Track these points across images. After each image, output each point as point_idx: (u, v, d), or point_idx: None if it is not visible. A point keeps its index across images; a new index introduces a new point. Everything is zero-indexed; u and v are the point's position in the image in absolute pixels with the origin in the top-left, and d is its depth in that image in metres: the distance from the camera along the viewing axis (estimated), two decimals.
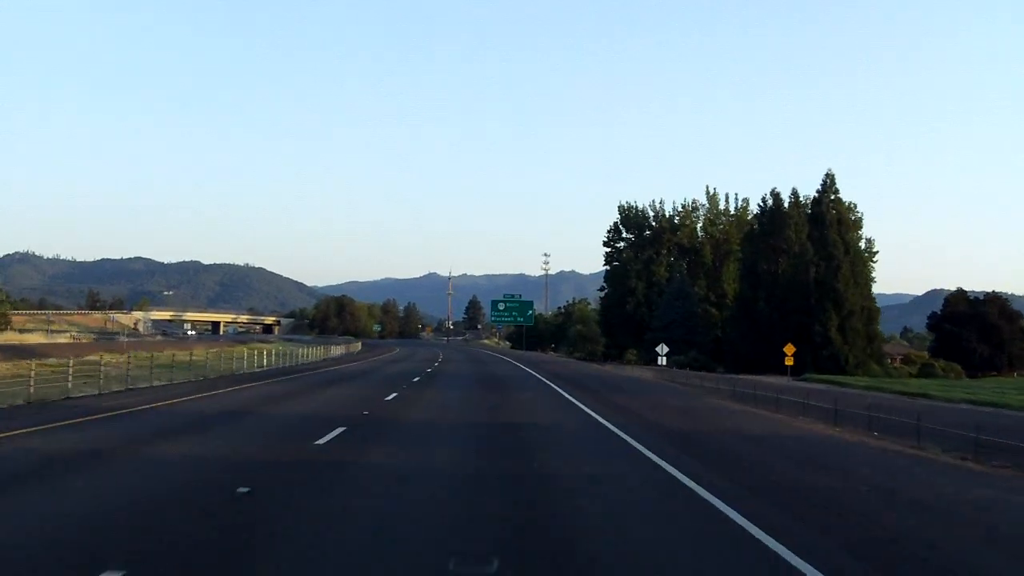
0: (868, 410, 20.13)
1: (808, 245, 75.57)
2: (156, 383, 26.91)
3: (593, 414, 20.68)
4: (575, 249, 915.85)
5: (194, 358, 40.81)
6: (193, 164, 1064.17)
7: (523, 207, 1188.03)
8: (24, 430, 13.94)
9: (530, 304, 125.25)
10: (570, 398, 26.52)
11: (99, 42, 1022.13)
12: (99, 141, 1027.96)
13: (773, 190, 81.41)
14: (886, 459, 14.84)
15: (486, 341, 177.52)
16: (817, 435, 18.44)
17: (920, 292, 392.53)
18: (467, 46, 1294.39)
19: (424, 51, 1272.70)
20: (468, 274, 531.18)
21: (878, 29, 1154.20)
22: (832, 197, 79.11)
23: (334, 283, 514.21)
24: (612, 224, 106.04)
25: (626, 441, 15.24)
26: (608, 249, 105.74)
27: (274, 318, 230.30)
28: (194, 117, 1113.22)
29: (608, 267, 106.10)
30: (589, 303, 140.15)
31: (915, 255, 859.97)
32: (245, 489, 9.12)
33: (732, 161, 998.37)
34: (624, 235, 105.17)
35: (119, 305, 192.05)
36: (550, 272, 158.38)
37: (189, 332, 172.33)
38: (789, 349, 51.17)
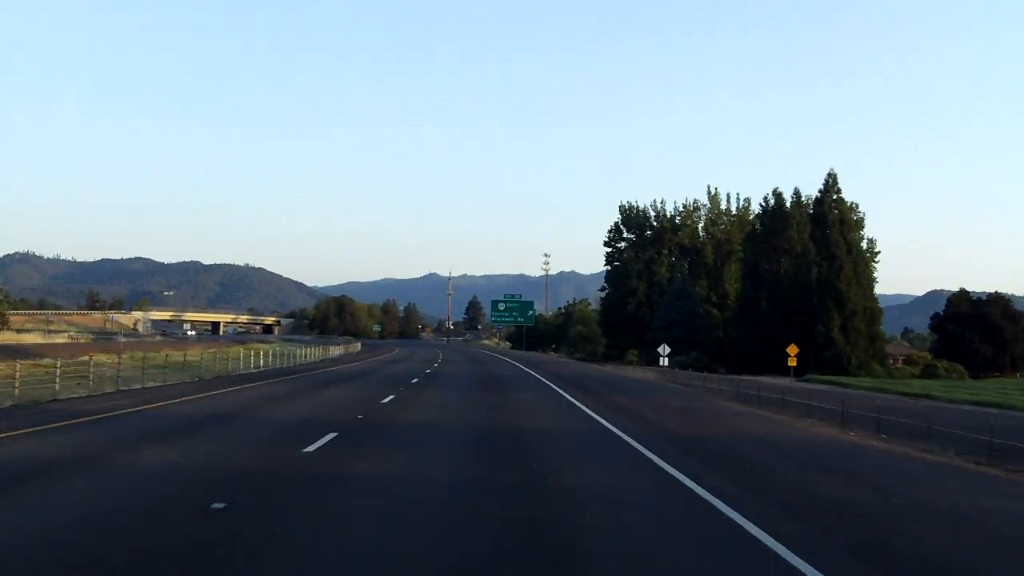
0: (878, 412, 19.57)
1: (810, 245, 75.14)
2: (149, 384, 26.39)
3: (595, 416, 20.10)
4: (575, 249, 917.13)
5: (190, 359, 40.36)
6: (193, 164, 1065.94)
7: (523, 207, 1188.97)
8: None
9: (530, 304, 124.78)
10: (571, 399, 25.94)
11: (99, 42, 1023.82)
12: (99, 141, 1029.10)
13: (775, 190, 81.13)
14: (901, 464, 14.27)
15: (486, 341, 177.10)
16: (832, 440, 17.71)
17: (920, 293, 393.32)
18: (467, 46, 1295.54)
19: (424, 51, 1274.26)
20: (468, 274, 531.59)
21: (878, 29, 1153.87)
22: (834, 197, 78.69)
23: (334, 283, 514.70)
24: (613, 224, 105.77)
25: (631, 445, 14.54)
26: (609, 249, 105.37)
27: (274, 318, 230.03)
28: (194, 117, 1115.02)
29: (609, 267, 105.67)
30: (590, 303, 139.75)
31: (915, 256, 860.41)
32: (220, 505, 8.33)
33: (733, 161, 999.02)
34: (625, 235, 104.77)
35: (119, 305, 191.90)
36: (550, 272, 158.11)
37: (189, 332, 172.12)
38: (792, 350, 50.71)
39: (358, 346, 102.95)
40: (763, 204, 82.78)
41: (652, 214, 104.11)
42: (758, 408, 25.64)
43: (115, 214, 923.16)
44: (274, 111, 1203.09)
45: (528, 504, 9.16)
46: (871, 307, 77.76)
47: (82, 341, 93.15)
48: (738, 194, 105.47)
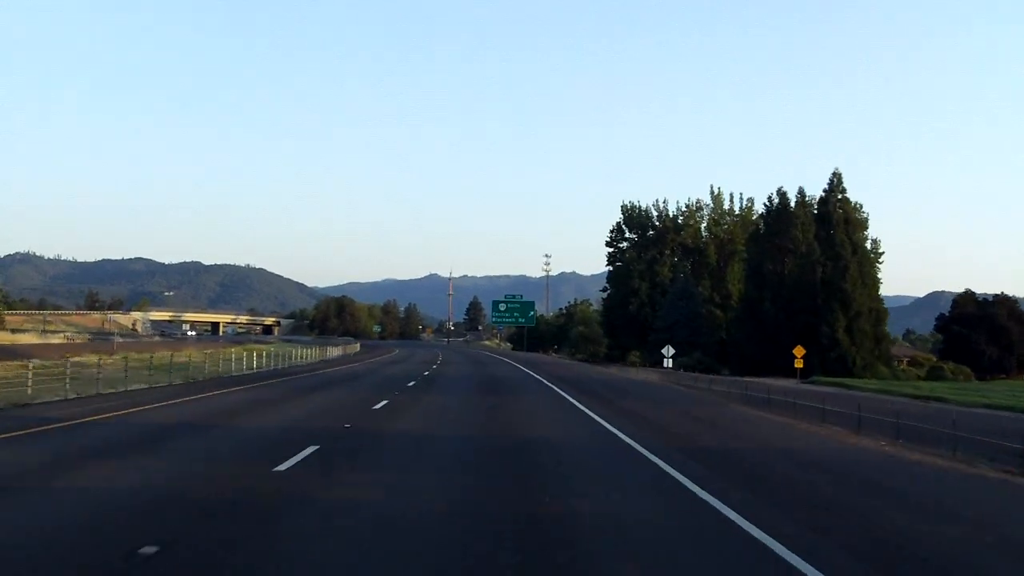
0: (896, 417, 18.57)
1: (815, 245, 74.27)
2: (133, 387, 25.37)
3: (605, 423, 18.64)
4: (576, 250, 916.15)
5: (185, 360, 39.49)
6: (193, 164, 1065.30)
7: (524, 208, 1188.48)
8: None
9: (531, 305, 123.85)
10: (577, 404, 24.52)
11: (99, 42, 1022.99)
12: (99, 141, 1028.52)
13: (779, 189, 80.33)
14: (946, 477, 13.16)
15: (487, 342, 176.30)
16: (863, 450, 16.35)
17: (921, 294, 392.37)
18: (467, 46, 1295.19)
19: (424, 51, 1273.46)
20: (469, 275, 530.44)
21: (878, 29, 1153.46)
22: (839, 197, 77.81)
23: (335, 284, 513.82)
24: (615, 224, 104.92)
25: (650, 460, 12.92)
26: (611, 249, 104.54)
27: (274, 319, 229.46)
28: (194, 117, 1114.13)
29: (611, 267, 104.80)
30: (591, 304, 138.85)
31: (916, 256, 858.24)
32: (151, 549, 6.64)
33: (734, 161, 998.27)
34: (627, 235, 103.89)
35: (118, 306, 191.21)
36: (551, 273, 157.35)
37: (189, 333, 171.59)
38: (799, 351, 49.77)
39: (357, 347, 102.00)
40: (767, 204, 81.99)
41: (654, 214, 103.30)
42: (772, 412, 24.41)
43: (115, 214, 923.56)
44: (274, 111, 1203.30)
45: (535, 544, 7.31)
46: (876, 308, 76.88)
47: (78, 341, 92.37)
48: (741, 194, 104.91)
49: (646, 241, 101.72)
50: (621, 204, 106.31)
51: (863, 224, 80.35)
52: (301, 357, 57.33)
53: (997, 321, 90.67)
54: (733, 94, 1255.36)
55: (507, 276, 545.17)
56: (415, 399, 24.59)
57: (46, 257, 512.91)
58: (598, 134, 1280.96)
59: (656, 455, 13.38)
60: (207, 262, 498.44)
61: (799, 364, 49.98)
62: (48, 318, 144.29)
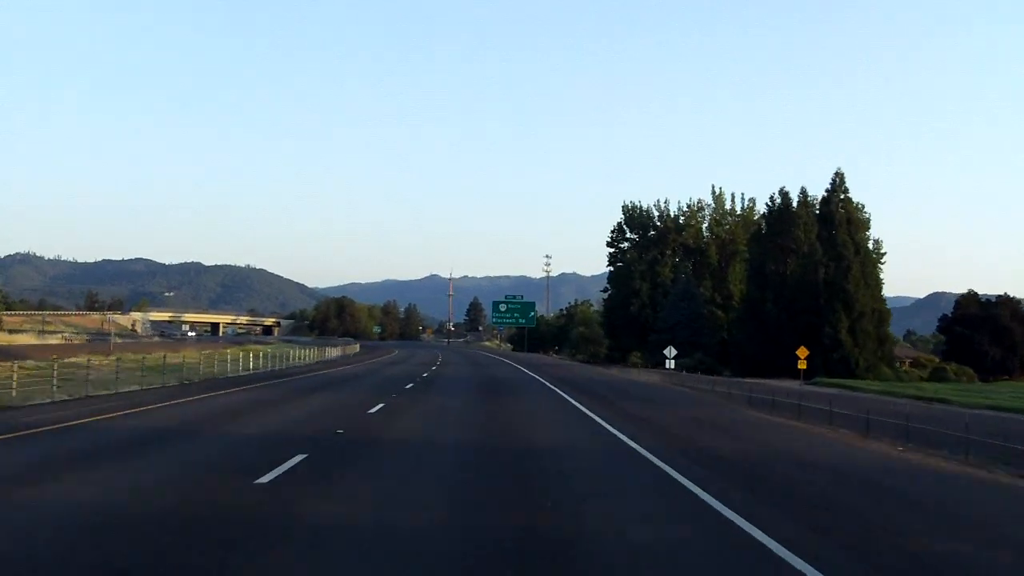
0: (907, 420, 18.05)
1: (817, 245, 73.80)
2: (124, 389, 24.83)
3: (611, 429, 17.72)
4: (576, 251, 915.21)
5: (182, 360, 39.06)
6: (193, 164, 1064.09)
7: (524, 208, 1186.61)
8: None
9: (532, 305, 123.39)
10: (581, 408, 23.67)
11: (99, 42, 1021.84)
12: (99, 141, 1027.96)
13: (782, 189, 79.90)
14: (966, 485, 12.56)
15: (487, 343, 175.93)
16: (882, 456, 15.62)
17: (922, 295, 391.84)
18: (467, 46, 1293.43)
19: (424, 51, 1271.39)
20: (469, 276, 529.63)
21: (878, 29, 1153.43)
22: (841, 196, 77.35)
23: (335, 284, 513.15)
24: (616, 224, 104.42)
25: (664, 471, 11.88)
26: (612, 250, 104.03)
27: (273, 319, 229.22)
28: (194, 117, 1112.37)
29: (612, 268, 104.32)
30: (591, 304, 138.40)
31: (916, 257, 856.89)
32: None
33: (734, 161, 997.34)
34: (628, 235, 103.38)
35: (118, 306, 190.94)
36: (551, 274, 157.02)
37: (189, 333, 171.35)
38: (802, 352, 49.26)
39: (356, 347, 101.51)
40: (769, 204, 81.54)
41: (656, 214, 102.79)
42: (781, 416, 23.66)
43: (115, 214, 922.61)
44: (274, 111, 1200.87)
45: (541, 568, 6.60)
46: (879, 308, 76.42)
47: (76, 342, 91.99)
48: (743, 194, 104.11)
49: (647, 241, 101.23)
50: (622, 204, 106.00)
51: (865, 224, 79.90)
52: (299, 358, 56.86)
53: (1000, 322, 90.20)
54: (733, 94, 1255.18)
55: (507, 277, 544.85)
56: (413, 402, 23.81)
57: (46, 258, 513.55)
58: (598, 134, 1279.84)
59: (664, 462, 12.56)
60: (207, 263, 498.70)
61: (802, 365, 49.48)
62: (47, 319, 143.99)
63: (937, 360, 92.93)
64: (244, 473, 10.45)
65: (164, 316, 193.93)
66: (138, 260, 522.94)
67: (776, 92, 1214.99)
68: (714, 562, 7.23)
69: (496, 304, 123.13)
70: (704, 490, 10.26)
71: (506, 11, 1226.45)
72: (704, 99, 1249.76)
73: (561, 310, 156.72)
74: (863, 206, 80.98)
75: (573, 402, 25.51)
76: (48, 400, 19.93)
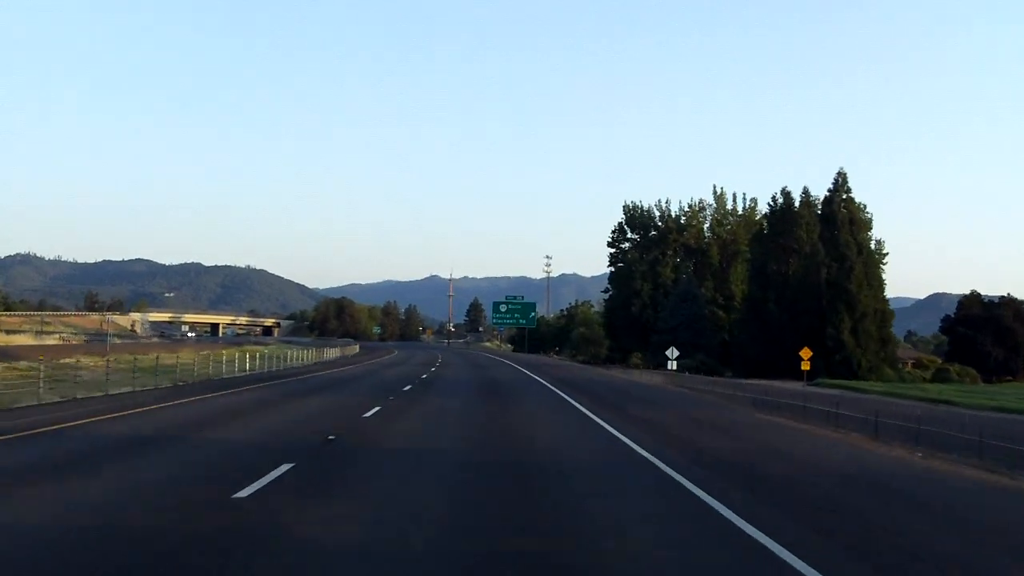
0: (918, 423, 17.54)
1: (819, 245, 73.31)
2: (115, 391, 24.27)
3: (617, 434, 16.69)
4: (577, 252, 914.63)
5: (178, 361, 38.51)
6: (193, 164, 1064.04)
7: (524, 208, 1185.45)
8: None
9: (532, 306, 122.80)
10: (585, 411, 22.69)
11: (99, 42, 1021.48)
12: (99, 141, 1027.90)
13: (784, 189, 79.55)
14: (993, 494, 11.77)
15: (487, 344, 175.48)
16: (902, 463, 14.70)
17: (922, 296, 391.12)
18: (467, 46, 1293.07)
19: (424, 51, 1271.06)
20: (469, 276, 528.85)
21: (878, 29, 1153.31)
22: (844, 196, 76.90)
23: (336, 285, 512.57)
24: (617, 224, 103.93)
25: (677, 482, 10.94)
26: (613, 250, 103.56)
27: (273, 320, 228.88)
28: (194, 117, 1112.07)
29: (612, 268, 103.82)
30: (592, 305, 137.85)
31: (916, 258, 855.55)
32: None
33: (735, 161, 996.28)
34: (629, 235, 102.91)
35: (118, 307, 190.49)
36: (551, 275, 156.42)
37: (189, 334, 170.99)
38: (805, 353, 48.74)
39: (356, 348, 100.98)
40: (771, 204, 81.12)
41: (657, 214, 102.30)
42: (791, 419, 22.86)
43: (115, 214, 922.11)
44: (274, 111, 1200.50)
45: None
46: (882, 309, 75.99)
47: (73, 343, 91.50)
48: (744, 194, 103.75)
49: (648, 241, 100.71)
50: (623, 204, 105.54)
51: (867, 224, 79.40)
52: (297, 359, 56.35)
53: (1003, 323, 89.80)
54: (734, 94, 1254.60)
55: (508, 277, 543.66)
56: (411, 405, 22.98)
57: (46, 258, 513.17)
58: (598, 134, 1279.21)
59: (680, 472, 11.50)
60: (208, 263, 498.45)
61: (806, 366, 48.96)
62: (47, 319, 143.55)
63: (940, 361, 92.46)
64: (223, 485, 9.63)
65: (164, 317, 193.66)
66: (138, 261, 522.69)
67: (776, 92, 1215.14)
68: (719, 566, 6.98)
69: (496, 305, 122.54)
70: (721, 502, 9.44)
71: (506, 11, 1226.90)
72: (705, 99, 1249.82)
73: (562, 311, 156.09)
74: (865, 206, 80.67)
75: (579, 407, 24.16)
76: (35, 403, 19.36)
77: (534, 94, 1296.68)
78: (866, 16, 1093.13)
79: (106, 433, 14.84)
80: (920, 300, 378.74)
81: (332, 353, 73.80)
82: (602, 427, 18.36)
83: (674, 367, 55.59)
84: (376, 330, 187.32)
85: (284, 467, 11.04)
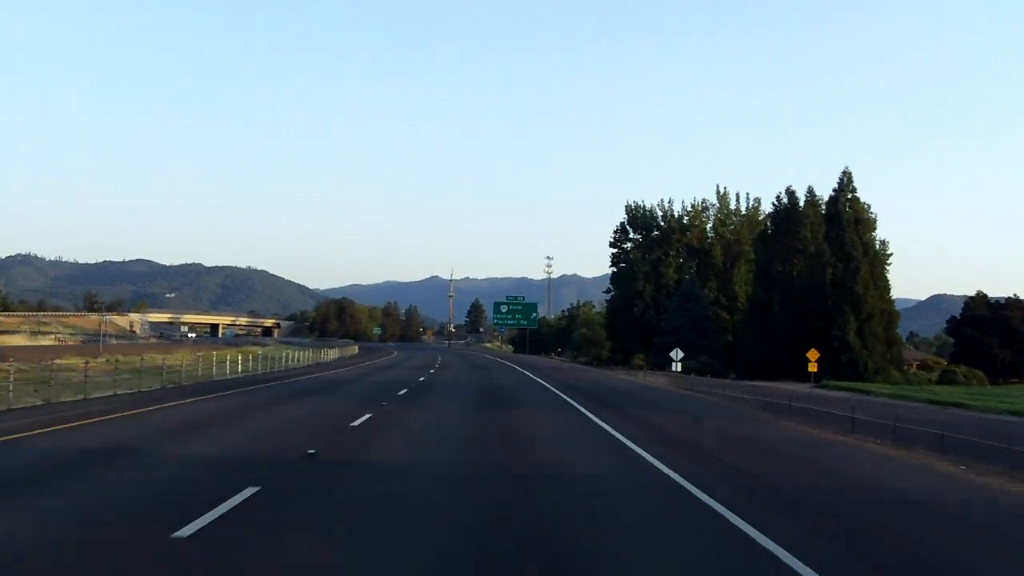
0: (941, 428, 16.49)
1: (825, 245, 72.21)
2: (95, 394, 23.20)
3: (638, 449, 14.68)
4: (577, 253, 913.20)
5: (173, 363, 37.61)
6: (193, 164, 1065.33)
7: (524, 209, 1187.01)
8: None
9: (534, 306, 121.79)
10: (595, 419, 20.76)
11: (99, 42, 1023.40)
12: (99, 141, 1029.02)
13: (788, 188, 78.37)
14: None
15: (488, 344, 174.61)
16: (945, 478, 13.01)
17: (922, 297, 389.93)
18: (467, 46, 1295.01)
19: (424, 51, 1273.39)
20: (470, 277, 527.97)
21: (877, 29, 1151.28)
22: (849, 196, 75.81)
23: (336, 286, 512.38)
24: (619, 224, 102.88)
25: (724, 518, 8.86)
26: (615, 250, 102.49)
27: (273, 321, 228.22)
28: (194, 117, 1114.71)
29: (614, 268, 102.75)
30: (593, 306, 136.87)
31: (916, 259, 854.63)
32: None
33: (736, 161, 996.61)
34: (631, 236, 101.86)
35: (117, 307, 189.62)
36: (552, 276, 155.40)
37: (189, 335, 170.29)
38: (813, 355, 47.76)
39: (355, 349, 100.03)
40: (775, 203, 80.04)
41: (659, 214, 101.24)
42: (808, 425, 21.48)
43: (116, 215, 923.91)
44: (274, 111, 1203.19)
45: None
46: (888, 310, 74.87)
47: (68, 343, 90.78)
48: (747, 194, 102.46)
49: (650, 242, 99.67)
50: (625, 204, 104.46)
51: (872, 224, 78.33)
52: (294, 360, 55.38)
53: (1011, 324, 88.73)
54: (735, 94, 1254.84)
55: (508, 278, 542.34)
56: (405, 412, 21.31)
57: (47, 259, 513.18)
58: (598, 134, 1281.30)
59: (721, 502, 9.66)
60: (208, 264, 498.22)
61: (813, 368, 47.95)
62: (46, 320, 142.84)
63: (944, 362, 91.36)
64: (162, 520, 7.80)
65: (163, 317, 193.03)
66: (139, 261, 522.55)
67: (777, 92, 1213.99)
68: None
69: (497, 305, 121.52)
70: (795, 554, 7.29)
71: (506, 11, 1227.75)
72: (706, 99, 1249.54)
73: (563, 311, 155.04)
74: (869, 206, 79.61)
75: (589, 415, 22.16)
76: (5, 408, 18.25)
77: (534, 94, 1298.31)
78: (866, 16, 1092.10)
79: (55, 446, 13.34)
80: (921, 301, 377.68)
81: (330, 354, 72.84)
82: (623, 444, 15.76)
83: (678, 369, 54.59)
84: (376, 331, 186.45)
85: (247, 492, 9.29)
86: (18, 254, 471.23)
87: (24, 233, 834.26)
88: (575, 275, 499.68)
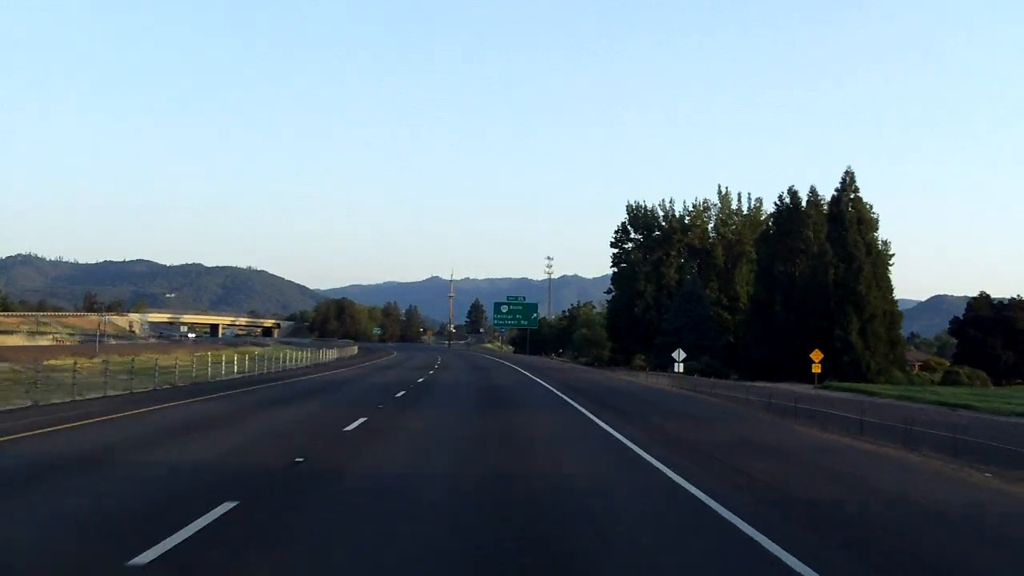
0: (953, 431, 16.00)
1: (827, 245, 71.74)
2: (85, 395, 22.69)
3: (654, 461, 13.20)
4: (578, 253, 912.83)
5: (167, 363, 37.17)
6: (193, 164, 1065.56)
7: (525, 209, 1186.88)
8: None
9: (534, 307, 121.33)
10: (596, 420, 20.10)
11: (99, 42, 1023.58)
12: (99, 141, 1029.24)
13: (791, 188, 78.02)
14: None
15: (488, 345, 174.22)
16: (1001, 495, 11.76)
17: (923, 298, 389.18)
18: (467, 46, 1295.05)
19: (424, 51, 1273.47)
20: (471, 277, 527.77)
21: (877, 30, 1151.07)
22: (852, 196, 75.35)
23: (337, 286, 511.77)
24: (620, 224, 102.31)
25: (772, 555, 7.25)
26: (616, 250, 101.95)
27: (273, 321, 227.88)
28: (194, 117, 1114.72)
29: (615, 268, 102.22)
30: (594, 306, 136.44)
31: (917, 260, 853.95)
32: None
33: (737, 161, 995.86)
34: (632, 235, 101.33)
35: (117, 307, 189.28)
36: (553, 276, 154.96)
37: (189, 335, 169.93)
38: (816, 355, 47.28)
39: (354, 349, 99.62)
40: (777, 203, 79.63)
41: (660, 214, 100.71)
42: (815, 428, 20.78)
43: (116, 215, 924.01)
44: (274, 111, 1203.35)
45: None
46: (891, 310, 74.43)
47: (66, 343, 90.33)
48: (749, 194, 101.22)
49: (652, 242, 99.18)
50: (626, 204, 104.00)
51: (875, 224, 77.87)
52: (292, 360, 54.93)
53: (1014, 325, 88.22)
54: (736, 94, 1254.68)
55: (509, 278, 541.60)
56: (401, 416, 20.54)
57: (48, 259, 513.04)
58: (599, 134, 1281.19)
59: (765, 533, 8.01)
60: (208, 264, 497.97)
61: (816, 369, 47.46)
62: (45, 320, 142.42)
63: (947, 363, 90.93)
64: (122, 544, 6.81)
65: (163, 317, 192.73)
66: (139, 261, 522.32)
67: (777, 92, 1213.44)
68: None
69: (497, 305, 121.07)
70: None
71: (506, 11, 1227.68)
72: (706, 99, 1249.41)
73: (564, 312, 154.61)
74: (872, 206, 79.15)
75: (594, 419, 21.14)
76: None
77: (534, 94, 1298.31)
78: (866, 16, 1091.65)
79: (24, 453, 12.36)
80: (921, 302, 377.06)
81: (330, 354, 72.43)
82: (630, 449, 14.97)
83: (680, 369, 54.14)
84: (376, 331, 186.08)
85: (222, 508, 8.32)
86: (18, 254, 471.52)
87: (24, 233, 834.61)
88: (576, 275, 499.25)
